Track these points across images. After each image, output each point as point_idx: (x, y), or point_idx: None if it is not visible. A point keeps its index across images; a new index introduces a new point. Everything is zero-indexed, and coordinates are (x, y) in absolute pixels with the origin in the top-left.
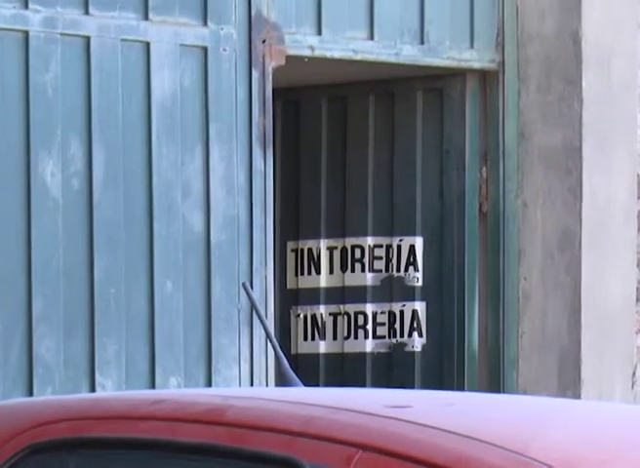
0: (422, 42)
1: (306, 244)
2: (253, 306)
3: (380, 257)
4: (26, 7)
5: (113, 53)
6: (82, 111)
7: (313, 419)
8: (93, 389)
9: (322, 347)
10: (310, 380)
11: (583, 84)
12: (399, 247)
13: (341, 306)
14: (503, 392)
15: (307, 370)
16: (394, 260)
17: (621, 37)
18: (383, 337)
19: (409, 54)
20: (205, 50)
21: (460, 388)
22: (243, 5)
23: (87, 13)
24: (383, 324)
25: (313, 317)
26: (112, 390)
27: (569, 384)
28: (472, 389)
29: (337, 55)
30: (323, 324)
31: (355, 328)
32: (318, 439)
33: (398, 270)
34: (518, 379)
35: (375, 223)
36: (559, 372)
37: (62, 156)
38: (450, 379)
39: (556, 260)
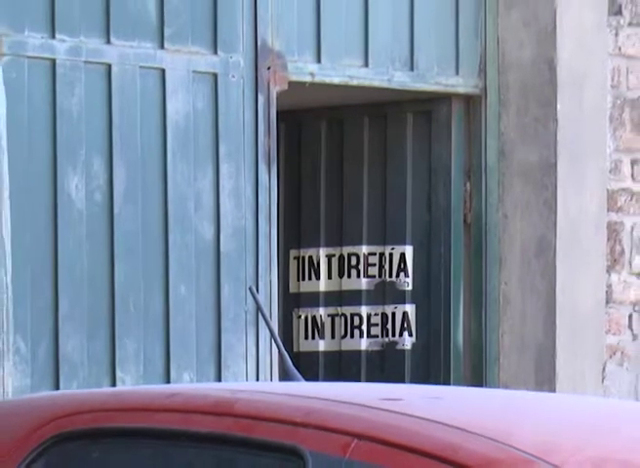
0: (412, 69)
1: (307, 252)
2: (258, 308)
3: (374, 264)
4: (53, 37)
5: (132, 79)
6: (104, 132)
7: (313, 411)
8: (113, 384)
9: (321, 345)
10: (311, 375)
11: (558, 107)
12: (391, 255)
13: (339, 308)
14: (486, 387)
15: (308, 367)
16: (387, 267)
17: (593, 64)
18: (377, 337)
19: (400, 80)
20: (215, 76)
21: (447, 383)
22: (250, 35)
23: (108, 42)
24: (377, 324)
25: (313, 318)
26: (131, 384)
27: (545, 380)
28: (457, 384)
29: (335, 80)
30: (322, 324)
31: (351, 328)
32: (318, 429)
33: (390, 276)
34: (499, 375)
35: (369, 233)
36: (536, 369)
37: (86, 172)
38: (437, 375)
39: (533, 267)
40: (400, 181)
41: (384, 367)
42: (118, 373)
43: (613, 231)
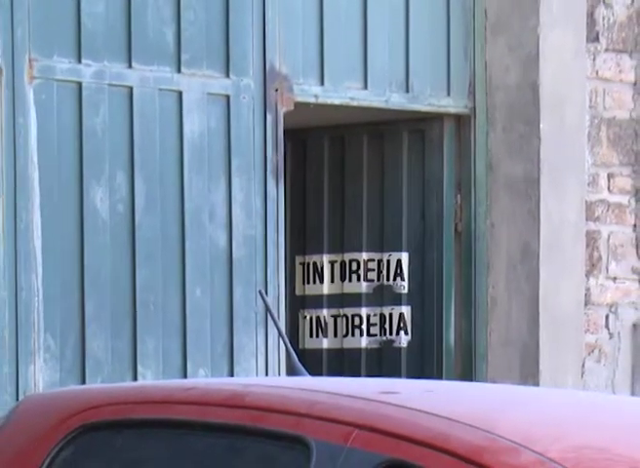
0: (407, 91)
1: (312, 258)
2: (267, 309)
3: (373, 269)
4: (79, 62)
5: (152, 100)
6: (126, 148)
7: (318, 403)
8: (135, 378)
9: (325, 343)
10: (315, 371)
11: (541, 126)
12: (388, 261)
13: (341, 309)
14: (475, 381)
15: (313, 363)
16: (384, 272)
17: (572, 87)
18: (376, 335)
19: (396, 101)
20: (228, 98)
21: (439, 377)
22: (259, 60)
23: (130, 67)
24: (376, 324)
25: (317, 318)
26: (151, 379)
27: (529, 374)
28: (449, 378)
29: (336, 102)
30: (326, 324)
31: (352, 327)
32: (322, 419)
33: (388, 280)
34: (487, 370)
35: (368, 241)
36: (521, 365)
37: (110, 185)
38: (430, 370)
39: (518, 271)
40: (396, 194)
41: (382, 363)
42: (139, 369)
43: (591, 239)
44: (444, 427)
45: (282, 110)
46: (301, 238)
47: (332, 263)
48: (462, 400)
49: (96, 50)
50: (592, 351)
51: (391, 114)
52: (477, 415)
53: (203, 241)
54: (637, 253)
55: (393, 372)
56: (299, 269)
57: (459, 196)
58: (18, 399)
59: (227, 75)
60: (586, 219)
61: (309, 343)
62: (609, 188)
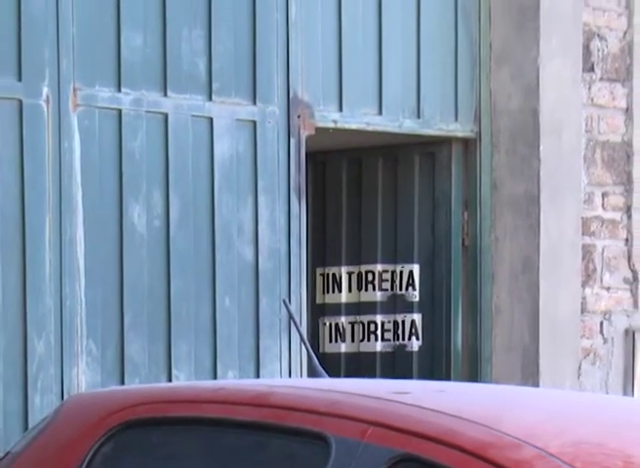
0: (419, 117)
1: (331, 269)
2: (290, 317)
3: (387, 280)
4: (119, 90)
5: (185, 126)
6: (161, 170)
7: (336, 402)
8: (170, 380)
9: (343, 348)
10: (334, 373)
11: (541, 148)
12: (401, 272)
13: (357, 317)
14: (480, 382)
15: (332, 365)
16: (397, 282)
17: (570, 113)
18: (389, 340)
19: (408, 126)
20: (254, 123)
21: (448, 379)
22: (283, 89)
23: (165, 95)
24: (389, 330)
25: (336, 325)
26: (184, 380)
27: (530, 376)
28: (456, 380)
29: (354, 126)
30: (344, 330)
31: (368, 333)
32: (340, 417)
33: (400, 289)
34: (492, 372)
35: (383, 254)
36: (522, 367)
37: (147, 203)
38: (439, 372)
39: (520, 282)
40: (408, 211)
41: (396, 366)
42: (173, 371)
43: (587, 252)
44: (452, 424)
45: (304, 135)
46: (322, 251)
47: (349, 274)
48: (469, 399)
49: (134, 80)
50: (588, 355)
51: (404, 138)
52: (483, 413)
53: (232, 254)
54: (629, 264)
55: (405, 374)
56: (319, 280)
57: (465, 213)
58: (62, 399)
59: (254, 103)
60: (582, 234)
61: (329, 348)
62: (603, 206)
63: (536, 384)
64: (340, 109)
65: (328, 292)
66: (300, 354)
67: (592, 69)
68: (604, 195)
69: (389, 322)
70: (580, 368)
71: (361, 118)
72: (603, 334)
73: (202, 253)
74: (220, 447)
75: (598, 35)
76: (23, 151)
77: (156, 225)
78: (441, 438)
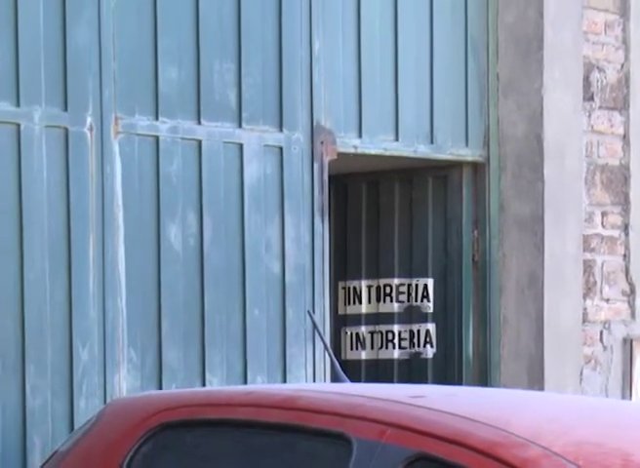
0: (432, 142)
1: (352, 283)
2: (315, 327)
3: (404, 292)
4: (157, 119)
5: (217, 151)
6: (196, 192)
7: (357, 405)
8: (204, 385)
9: (363, 355)
10: (355, 378)
11: (545, 171)
12: (416, 285)
13: (376, 326)
14: (490, 387)
15: (353, 372)
16: (413, 294)
17: (571, 138)
18: (406, 348)
19: (422, 151)
20: (281, 149)
21: (459, 384)
22: (307, 118)
23: (199, 123)
24: (406, 339)
25: (357, 334)
26: (217, 385)
27: (535, 381)
28: (468, 384)
29: (372, 152)
30: (364, 338)
31: (386, 341)
32: (361, 419)
33: (416, 301)
34: (500, 378)
35: (399, 269)
36: (528, 373)
37: (182, 223)
38: (452, 378)
39: (526, 295)
40: (423, 229)
41: (412, 372)
42: (207, 377)
43: (588, 267)
44: (464, 425)
45: (326, 159)
46: (343, 266)
47: (369, 287)
48: (480, 402)
49: (170, 109)
50: (589, 361)
51: (418, 162)
52: (492, 415)
53: (260, 269)
54: (626, 278)
55: (421, 379)
56: (341, 292)
57: (475, 231)
58: (105, 403)
59: (281, 130)
60: (584, 250)
61: (350, 355)
62: (602, 224)
63: (541, 389)
64: (360, 136)
65: (349, 303)
66: (324, 361)
67: (592, 99)
68: (603, 214)
69: (406, 331)
70: (581, 373)
71: (379, 144)
72: (603, 343)
73: (233, 269)
74: (250, 447)
75: (597, 67)
76: (69, 175)
77: (191, 243)
78: (453, 438)
